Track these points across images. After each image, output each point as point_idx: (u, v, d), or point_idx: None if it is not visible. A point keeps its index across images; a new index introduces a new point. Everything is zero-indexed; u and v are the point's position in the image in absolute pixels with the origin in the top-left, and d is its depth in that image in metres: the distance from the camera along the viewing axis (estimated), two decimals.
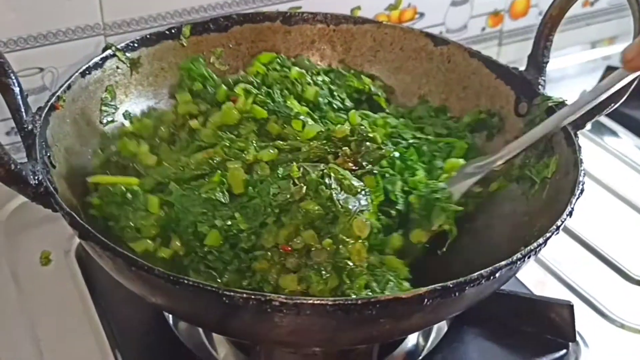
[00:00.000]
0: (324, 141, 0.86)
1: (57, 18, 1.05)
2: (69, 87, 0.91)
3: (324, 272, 0.75)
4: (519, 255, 0.73)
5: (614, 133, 1.33)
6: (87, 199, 0.85)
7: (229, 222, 0.79)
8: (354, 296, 0.74)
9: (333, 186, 0.79)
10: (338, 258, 0.75)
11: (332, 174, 0.80)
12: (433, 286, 0.68)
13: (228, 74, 1.04)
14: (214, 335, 0.92)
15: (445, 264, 0.91)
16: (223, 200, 0.81)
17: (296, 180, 0.80)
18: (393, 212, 0.89)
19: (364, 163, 0.86)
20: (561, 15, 0.97)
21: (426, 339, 0.93)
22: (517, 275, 0.96)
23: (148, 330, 0.93)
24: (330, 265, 0.75)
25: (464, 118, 1.04)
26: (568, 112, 0.90)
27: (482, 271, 0.70)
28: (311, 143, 0.86)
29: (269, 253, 0.77)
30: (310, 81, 0.97)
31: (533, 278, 1.01)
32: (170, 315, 0.92)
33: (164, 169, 0.86)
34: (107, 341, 0.90)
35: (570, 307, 0.91)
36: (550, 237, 0.77)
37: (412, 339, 0.93)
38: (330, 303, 0.66)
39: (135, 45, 1.00)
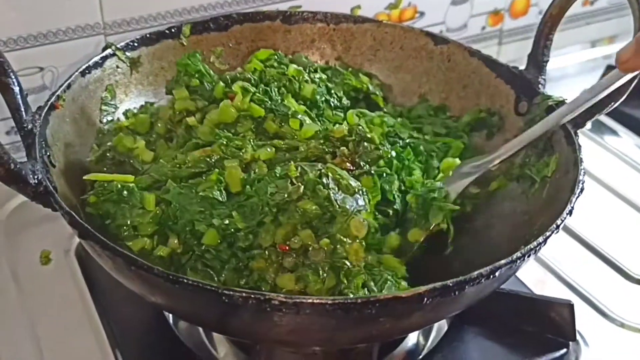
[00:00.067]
0: (322, 141, 0.86)
1: (57, 17, 1.05)
2: (68, 86, 0.91)
3: (321, 272, 0.75)
4: (518, 254, 0.73)
5: (614, 132, 1.33)
6: (83, 198, 0.85)
7: (227, 221, 0.79)
8: (351, 296, 0.74)
9: (331, 186, 0.79)
10: (335, 258, 0.75)
11: (330, 174, 0.80)
12: (432, 285, 0.68)
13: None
14: (214, 334, 0.92)
15: (445, 264, 0.91)
16: (220, 199, 0.81)
17: (294, 180, 0.80)
18: (390, 212, 0.89)
19: (361, 163, 0.86)
20: (561, 14, 0.97)
21: (426, 338, 0.93)
22: (518, 274, 0.97)
23: (148, 330, 0.93)
24: (328, 264, 0.75)
25: (464, 117, 1.04)
26: (566, 111, 0.90)
27: (481, 270, 0.70)
28: (309, 142, 0.86)
29: (267, 252, 0.77)
30: (308, 79, 0.97)
31: (533, 277, 1.01)
32: (171, 315, 0.92)
33: (160, 166, 0.86)
34: (107, 340, 0.90)
35: (570, 306, 0.91)
36: (550, 236, 0.77)
37: (412, 338, 0.93)
38: (329, 302, 0.66)
39: (135, 44, 1.00)
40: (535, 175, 0.92)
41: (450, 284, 0.69)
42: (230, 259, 0.78)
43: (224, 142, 0.86)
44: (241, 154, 0.85)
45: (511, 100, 1.00)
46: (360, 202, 0.80)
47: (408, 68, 1.09)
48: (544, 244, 0.76)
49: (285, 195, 0.78)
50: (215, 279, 0.78)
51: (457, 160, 0.95)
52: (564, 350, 0.91)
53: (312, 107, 0.95)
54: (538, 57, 0.98)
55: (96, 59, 0.96)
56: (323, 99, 0.97)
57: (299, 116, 0.90)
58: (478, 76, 1.04)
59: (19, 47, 1.05)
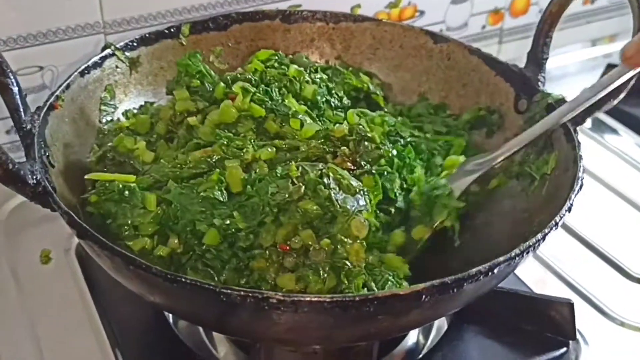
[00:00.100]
0: (323, 140, 0.86)
1: (57, 16, 1.05)
2: (68, 86, 0.91)
3: (321, 272, 0.75)
4: (517, 251, 0.73)
5: (614, 131, 1.33)
6: (84, 197, 0.85)
7: (228, 221, 0.79)
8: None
9: (332, 186, 0.79)
10: (336, 258, 0.75)
11: (331, 174, 0.80)
12: (431, 282, 0.68)
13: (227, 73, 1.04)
14: (214, 333, 0.92)
15: (444, 261, 0.91)
16: (221, 199, 0.81)
17: (295, 180, 0.80)
18: (392, 210, 0.89)
19: (362, 162, 0.85)
20: (560, 12, 0.96)
21: (426, 337, 0.93)
22: (517, 273, 0.97)
23: (148, 329, 0.94)
24: (328, 265, 0.75)
25: (464, 115, 1.04)
26: (567, 109, 0.90)
27: (480, 267, 0.70)
28: (309, 142, 0.86)
29: (267, 252, 0.77)
30: (309, 79, 0.97)
31: (533, 276, 1.01)
32: (170, 314, 0.92)
33: (161, 167, 0.86)
34: (107, 340, 0.90)
35: (570, 305, 0.91)
36: (549, 232, 0.76)
37: (412, 337, 0.93)
38: (327, 300, 0.66)
39: (135, 44, 1.01)
40: (534, 172, 0.92)
41: (449, 282, 0.69)
42: (231, 258, 0.78)
43: (225, 143, 0.86)
44: (242, 154, 0.85)
45: (511, 98, 1.00)
46: (361, 202, 0.80)
47: (408, 67, 1.09)
48: (543, 241, 0.76)
49: (286, 195, 0.78)
50: (216, 278, 0.78)
51: (462, 158, 0.95)
52: (564, 349, 0.91)
53: (312, 108, 0.95)
54: (538, 55, 0.98)
55: (95, 59, 0.96)
56: (324, 99, 0.97)
57: (300, 116, 0.90)
58: (478, 74, 1.04)
59: (19, 46, 1.05)
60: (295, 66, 0.97)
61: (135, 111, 0.99)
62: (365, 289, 0.76)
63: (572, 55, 1.50)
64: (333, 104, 0.99)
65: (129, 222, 0.82)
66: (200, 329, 0.92)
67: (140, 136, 0.93)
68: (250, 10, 1.09)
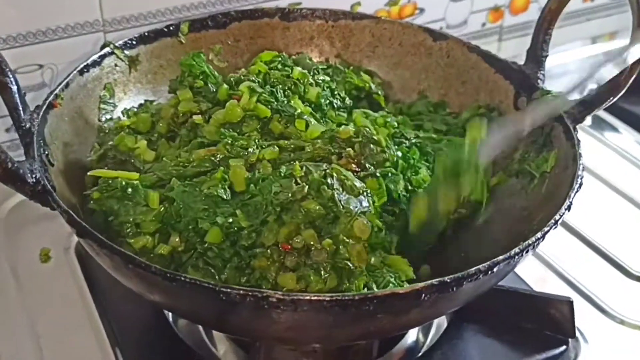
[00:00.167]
0: (328, 141, 0.86)
1: (57, 14, 1.05)
2: (67, 85, 0.91)
3: (323, 272, 0.75)
4: (516, 249, 0.73)
5: (614, 128, 1.33)
6: (87, 193, 0.85)
7: (230, 220, 0.79)
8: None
9: (335, 186, 0.79)
10: (338, 258, 0.75)
11: (335, 174, 0.80)
12: (430, 281, 0.68)
13: (227, 71, 1.04)
14: (214, 332, 0.92)
15: (444, 260, 0.91)
16: (224, 197, 0.81)
17: (298, 179, 0.79)
18: (397, 210, 0.88)
19: (367, 165, 0.85)
20: (560, 9, 0.96)
21: (426, 335, 0.93)
22: (517, 271, 0.97)
23: (148, 328, 0.93)
24: (330, 265, 0.75)
25: (463, 113, 1.04)
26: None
27: (479, 266, 0.70)
28: (315, 142, 0.86)
29: (269, 251, 0.76)
30: (312, 82, 0.96)
31: (533, 274, 1.01)
32: (170, 313, 0.92)
33: (164, 165, 0.86)
34: (107, 338, 0.90)
35: (570, 303, 0.90)
36: (548, 231, 0.76)
37: (411, 335, 0.93)
38: (327, 299, 0.66)
39: (134, 42, 1.01)
40: (534, 170, 0.92)
41: (448, 280, 0.69)
42: (233, 257, 0.78)
43: (229, 142, 0.86)
44: (246, 153, 0.85)
45: (510, 95, 1.00)
46: (365, 204, 0.79)
47: (407, 64, 1.09)
48: (543, 240, 0.76)
49: (290, 195, 0.78)
50: (217, 277, 0.78)
51: (484, 132, 0.93)
52: (564, 347, 0.91)
53: (316, 110, 0.95)
54: (537, 52, 0.98)
55: (94, 57, 0.97)
56: (327, 101, 0.97)
57: (305, 117, 0.90)
58: (477, 72, 1.04)
59: (19, 44, 1.05)
60: (299, 68, 0.97)
61: (134, 110, 0.99)
62: (366, 289, 0.75)
63: (572, 52, 1.49)
64: (335, 105, 0.99)
65: (131, 219, 0.81)
66: (200, 327, 0.92)
67: (141, 135, 0.93)
68: (249, 8, 1.09)
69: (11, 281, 0.97)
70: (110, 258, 0.72)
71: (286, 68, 0.97)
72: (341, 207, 0.77)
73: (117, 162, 0.91)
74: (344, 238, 0.76)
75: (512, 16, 1.44)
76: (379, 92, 1.06)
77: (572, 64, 1.47)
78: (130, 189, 0.82)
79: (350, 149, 0.85)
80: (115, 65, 0.99)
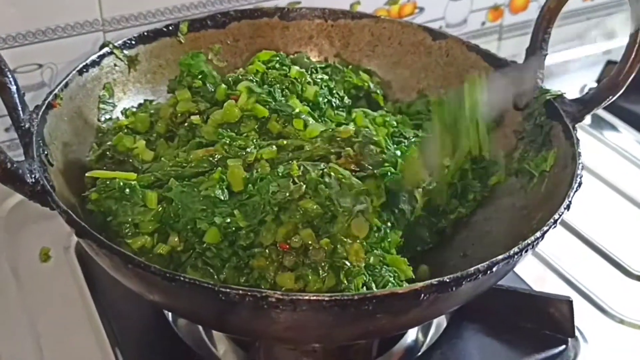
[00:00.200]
0: (326, 140, 0.86)
1: (56, 14, 1.05)
2: (66, 85, 0.91)
3: (321, 271, 0.75)
4: (515, 249, 0.73)
5: (613, 127, 1.33)
6: (85, 195, 0.85)
7: (228, 220, 0.79)
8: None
9: (333, 185, 0.79)
10: (336, 258, 0.75)
11: (332, 174, 0.80)
12: (430, 281, 0.68)
13: (226, 71, 1.04)
14: (214, 332, 0.92)
15: (443, 259, 0.91)
16: (222, 198, 0.81)
17: (296, 179, 0.79)
18: (396, 210, 0.88)
19: (365, 165, 0.85)
20: (559, 8, 0.96)
21: (425, 334, 0.93)
22: (516, 270, 0.97)
23: (148, 327, 0.93)
24: (328, 264, 0.75)
25: None
26: None
27: (479, 266, 0.70)
28: (314, 142, 0.86)
29: (267, 251, 0.76)
30: (310, 80, 0.96)
31: (533, 273, 1.01)
32: (170, 313, 0.92)
33: (162, 165, 0.86)
34: (107, 338, 0.90)
35: (569, 302, 0.90)
36: (547, 230, 0.76)
37: (411, 335, 0.93)
38: (326, 299, 0.66)
39: (133, 42, 1.00)
40: (533, 169, 0.92)
41: (447, 280, 0.68)
42: (231, 257, 0.78)
43: (227, 142, 0.86)
44: (244, 153, 0.85)
45: None
46: (362, 202, 0.79)
47: (406, 63, 1.09)
48: (542, 239, 0.76)
49: (287, 194, 0.78)
50: (215, 277, 0.78)
51: (482, 91, 0.90)
52: (563, 346, 0.91)
53: (314, 109, 0.95)
54: (536, 52, 0.98)
55: (94, 57, 0.97)
56: (325, 100, 0.97)
57: (303, 116, 0.90)
58: (476, 71, 1.04)
59: (18, 44, 1.05)
60: (297, 67, 0.97)
61: (134, 109, 0.99)
62: (365, 288, 0.75)
63: (572, 51, 1.49)
64: (334, 104, 0.98)
65: (130, 219, 0.81)
66: (200, 327, 0.92)
67: (139, 135, 0.93)
68: (248, 8, 1.09)
69: (11, 280, 0.97)
70: (109, 258, 0.72)
71: (284, 67, 0.97)
72: (339, 206, 0.77)
73: (116, 162, 0.91)
74: (342, 237, 0.76)
75: (512, 15, 1.44)
76: (378, 91, 1.06)
77: (572, 62, 1.47)
78: (128, 190, 0.82)
79: (349, 148, 0.85)
80: (115, 65, 0.99)
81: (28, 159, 0.80)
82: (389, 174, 0.87)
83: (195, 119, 0.90)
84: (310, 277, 0.75)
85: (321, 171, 0.80)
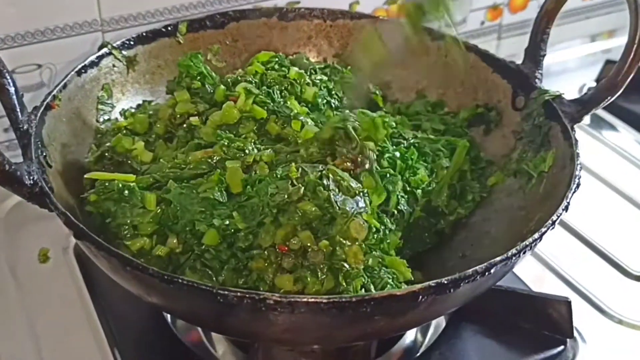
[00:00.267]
0: (320, 143, 0.86)
1: (55, 14, 1.05)
2: (64, 86, 0.91)
3: (320, 273, 0.75)
4: (513, 250, 0.73)
5: (613, 127, 1.33)
6: (84, 196, 0.85)
7: (227, 221, 0.79)
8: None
9: (331, 187, 0.78)
10: (334, 259, 0.75)
11: (331, 175, 0.80)
12: (427, 283, 0.68)
13: (225, 71, 1.04)
14: (213, 333, 0.92)
15: (442, 259, 0.91)
16: (221, 199, 0.81)
17: (294, 181, 0.79)
18: (395, 212, 0.88)
19: (359, 160, 0.85)
20: (558, 9, 0.96)
21: (424, 335, 0.93)
22: (515, 271, 0.97)
23: (146, 328, 0.93)
24: (327, 266, 0.75)
25: (462, 113, 1.04)
26: None
27: (477, 267, 0.70)
28: (307, 146, 0.86)
29: (266, 253, 0.76)
30: (309, 81, 0.96)
31: (531, 274, 1.01)
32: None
33: (161, 167, 0.86)
34: (106, 338, 0.90)
35: (567, 303, 0.90)
36: (546, 232, 0.76)
37: (410, 336, 0.93)
38: (324, 301, 0.66)
39: (132, 43, 1.00)
40: (532, 170, 0.92)
41: (445, 282, 0.69)
42: (230, 259, 0.78)
43: (226, 143, 0.86)
44: (243, 155, 0.85)
45: (508, 95, 1.00)
46: (361, 204, 0.79)
47: (405, 64, 1.09)
48: (540, 241, 0.76)
49: (286, 196, 0.78)
50: (214, 278, 0.78)
51: None
52: (562, 347, 0.91)
53: (313, 110, 0.95)
54: (535, 52, 0.98)
55: (92, 58, 0.97)
56: (324, 101, 0.97)
57: (301, 118, 0.90)
58: (475, 71, 1.04)
59: (17, 44, 1.05)
60: (296, 68, 0.97)
61: (132, 110, 0.99)
62: (364, 290, 0.75)
63: (571, 50, 1.49)
64: (333, 105, 0.98)
65: (128, 221, 0.81)
66: (199, 328, 0.92)
67: (138, 136, 0.93)
68: (247, 8, 1.09)
69: (10, 281, 0.97)
70: (107, 260, 0.72)
71: (283, 68, 0.97)
72: (337, 208, 0.77)
73: (115, 163, 0.91)
74: (341, 239, 0.76)
75: (511, 14, 1.43)
76: (377, 92, 1.06)
77: (571, 62, 1.47)
78: (127, 191, 0.82)
79: (343, 148, 0.85)
80: (113, 65, 0.99)
81: (26, 161, 0.79)
82: (387, 175, 0.87)
83: (194, 120, 0.90)
84: (309, 279, 0.75)
85: (320, 173, 0.79)
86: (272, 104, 0.90)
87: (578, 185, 0.82)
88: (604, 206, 1.15)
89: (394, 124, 0.96)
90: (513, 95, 1.00)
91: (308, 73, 0.98)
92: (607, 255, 1.05)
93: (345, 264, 0.75)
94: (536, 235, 0.75)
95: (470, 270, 0.70)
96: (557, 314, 0.91)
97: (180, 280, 0.67)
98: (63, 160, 0.87)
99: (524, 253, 0.74)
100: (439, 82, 1.07)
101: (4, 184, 0.76)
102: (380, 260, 0.79)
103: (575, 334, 0.92)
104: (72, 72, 0.94)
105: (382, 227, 0.83)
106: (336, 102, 0.99)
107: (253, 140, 0.87)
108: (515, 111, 0.99)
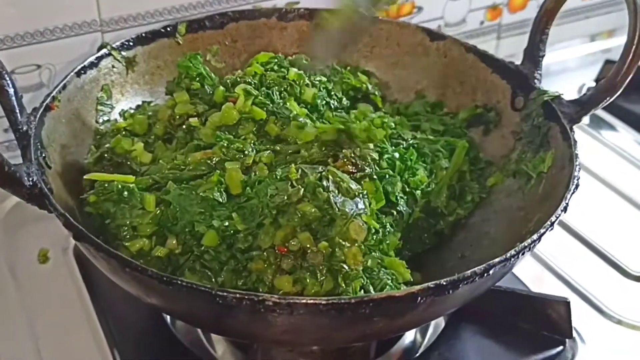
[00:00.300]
0: (321, 143, 0.86)
1: (54, 14, 1.06)
2: (64, 87, 0.91)
3: (319, 275, 0.75)
4: (512, 252, 0.73)
5: (612, 127, 1.33)
6: (83, 197, 0.85)
7: (226, 223, 0.79)
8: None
9: (331, 189, 0.78)
10: (334, 261, 0.75)
11: (330, 177, 0.80)
12: (426, 284, 0.68)
13: (225, 72, 1.04)
14: (212, 334, 0.92)
15: (441, 260, 0.91)
16: (220, 200, 0.81)
17: (294, 182, 0.79)
18: (394, 212, 0.88)
19: (361, 165, 0.85)
20: (557, 8, 0.96)
21: (423, 335, 0.93)
22: (515, 271, 0.97)
23: (146, 329, 0.94)
24: (326, 267, 0.75)
25: (461, 114, 1.04)
26: None
27: (475, 268, 0.70)
28: (308, 147, 0.86)
29: (265, 254, 0.76)
30: (309, 82, 0.96)
31: (530, 274, 1.01)
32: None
33: (161, 168, 0.86)
34: (105, 339, 0.90)
35: (566, 303, 0.91)
36: (544, 233, 0.77)
37: (409, 336, 0.93)
38: (323, 302, 0.66)
39: (131, 43, 1.00)
40: (531, 171, 0.92)
41: (444, 283, 0.69)
42: (229, 260, 0.78)
43: (225, 145, 0.86)
44: (242, 156, 0.85)
45: (507, 95, 1.00)
46: (360, 206, 0.79)
47: (404, 64, 1.09)
48: (539, 242, 0.76)
49: (285, 198, 0.78)
50: (213, 280, 0.78)
51: None
52: (561, 347, 0.91)
53: (312, 111, 0.95)
54: (534, 52, 0.98)
55: (91, 59, 0.96)
56: (324, 102, 0.97)
57: (301, 119, 0.90)
58: (474, 72, 1.04)
59: (16, 44, 1.05)
60: (295, 69, 0.97)
61: (132, 111, 0.99)
62: (363, 291, 0.75)
63: (571, 50, 1.49)
64: (332, 106, 0.98)
65: (128, 222, 0.82)
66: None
67: (137, 137, 0.93)
68: (246, 9, 1.09)
69: (10, 281, 0.98)
70: (106, 261, 0.72)
71: (282, 69, 0.97)
72: (337, 209, 0.77)
73: (114, 164, 0.91)
74: (340, 240, 0.76)
75: (511, 14, 1.43)
76: (376, 93, 1.06)
77: (571, 61, 1.47)
78: (126, 192, 0.82)
79: (346, 150, 0.85)
80: (113, 66, 0.99)
81: (26, 162, 0.80)
82: (387, 177, 0.87)
83: (193, 121, 0.90)
84: (308, 280, 0.75)
85: (319, 174, 0.79)
86: (271, 105, 0.90)
87: (577, 186, 0.82)
88: (603, 206, 1.15)
89: (393, 124, 0.96)
90: (512, 95, 1.00)
91: (307, 74, 0.98)
92: (606, 255, 1.05)
93: (345, 265, 0.75)
94: (535, 237, 0.75)
95: (469, 271, 0.70)
96: (556, 315, 0.91)
97: (179, 282, 0.68)
98: (62, 161, 0.87)
99: (523, 254, 0.74)
100: (438, 83, 1.07)
101: (3, 185, 0.76)
102: (379, 261, 0.79)
103: (575, 334, 0.92)
104: (72, 73, 0.94)
105: (382, 228, 0.82)
106: (335, 103, 0.99)
107: (252, 142, 0.87)
108: (514, 112, 0.99)
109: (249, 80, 0.93)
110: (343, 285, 0.75)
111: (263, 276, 0.76)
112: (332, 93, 1.00)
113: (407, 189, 0.90)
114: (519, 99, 0.99)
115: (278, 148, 0.87)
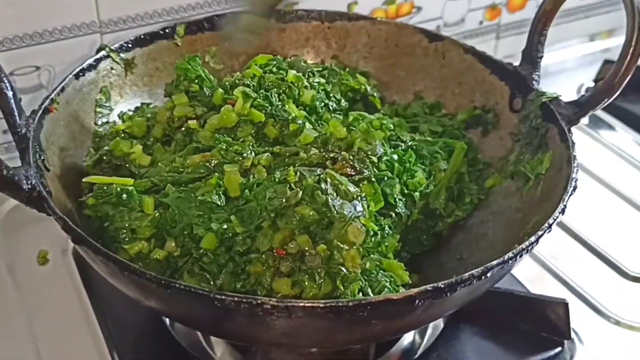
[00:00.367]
0: (321, 145, 0.86)
1: (53, 16, 1.06)
2: (62, 89, 0.91)
3: (317, 277, 0.75)
4: (510, 254, 0.73)
5: (611, 127, 1.33)
6: (82, 200, 0.85)
7: (225, 225, 0.79)
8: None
9: (329, 191, 0.78)
10: (332, 264, 0.75)
11: (329, 179, 0.80)
12: (424, 287, 0.68)
13: (223, 73, 1.04)
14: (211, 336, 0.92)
15: (439, 262, 0.91)
16: (219, 203, 0.81)
17: (292, 185, 0.79)
18: (392, 214, 0.88)
19: (359, 168, 0.85)
20: (555, 10, 0.96)
21: (422, 337, 0.94)
22: (513, 272, 0.97)
23: (145, 330, 0.94)
24: (324, 270, 0.75)
25: (459, 115, 1.04)
26: None
27: (473, 271, 0.71)
28: (307, 149, 0.86)
29: (264, 256, 0.76)
30: (307, 84, 0.96)
31: (529, 274, 1.01)
32: None
33: (159, 170, 0.86)
34: (104, 341, 0.91)
35: (565, 304, 0.91)
36: (542, 235, 0.77)
37: (408, 337, 0.93)
38: (321, 306, 0.66)
39: (129, 45, 1.00)
40: (529, 172, 0.92)
41: (442, 286, 0.69)
42: (228, 262, 0.78)
43: (224, 147, 0.86)
44: (241, 159, 0.85)
45: (506, 96, 1.00)
46: (359, 208, 0.79)
47: (403, 65, 1.09)
48: (536, 244, 0.76)
49: (284, 200, 0.78)
50: (212, 282, 0.78)
51: None
52: (559, 348, 0.91)
53: (311, 113, 0.95)
54: (532, 53, 0.98)
55: (90, 61, 0.96)
56: (322, 104, 0.97)
57: (299, 121, 0.90)
58: (473, 73, 1.04)
59: (15, 46, 1.05)
60: (294, 72, 0.96)
61: (131, 113, 0.99)
62: (361, 294, 0.75)
63: (570, 50, 1.49)
64: (331, 107, 0.98)
65: (127, 225, 0.81)
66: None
67: (136, 139, 0.93)
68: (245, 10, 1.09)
69: (9, 283, 0.98)
70: (105, 265, 0.72)
71: (281, 71, 0.97)
72: (335, 212, 0.77)
73: (113, 166, 0.90)
74: (338, 243, 0.76)
75: (510, 14, 1.43)
76: (375, 94, 1.06)
77: (570, 61, 1.47)
78: (125, 195, 0.82)
79: (344, 152, 0.85)
80: (111, 68, 0.99)
81: (24, 165, 0.80)
82: (385, 178, 0.87)
83: (192, 123, 0.90)
84: (306, 283, 0.75)
85: (318, 177, 0.79)
86: (270, 107, 0.90)
87: (575, 188, 0.82)
88: (601, 207, 1.15)
89: (391, 126, 0.96)
90: (510, 97, 1.00)
91: (306, 76, 0.98)
92: (604, 256, 1.05)
93: (343, 268, 0.75)
94: (532, 239, 0.76)
95: (467, 274, 0.70)
96: (555, 316, 0.92)
97: (177, 285, 0.68)
98: (61, 163, 0.87)
99: (520, 257, 0.74)
100: (436, 84, 1.07)
101: (1, 188, 0.76)
102: (378, 263, 0.79)
103: (573, 335, 0.92)
104: (70, 75, 0.94)
105: (380, 231, 0.83)
106: (334, 105, 0.99)
107: (251, 144, 0.87)
108: (512, 113, 0.99)
109: (248, 82, 0.93)
110: (341, 287, 0.74)
111: (261, 279, 0.76)
112: (331, 95, 1.00)
113: (406, 191, 0.90)
114: (517, 100, 0.99)
115: (276, 150, 0.87)
